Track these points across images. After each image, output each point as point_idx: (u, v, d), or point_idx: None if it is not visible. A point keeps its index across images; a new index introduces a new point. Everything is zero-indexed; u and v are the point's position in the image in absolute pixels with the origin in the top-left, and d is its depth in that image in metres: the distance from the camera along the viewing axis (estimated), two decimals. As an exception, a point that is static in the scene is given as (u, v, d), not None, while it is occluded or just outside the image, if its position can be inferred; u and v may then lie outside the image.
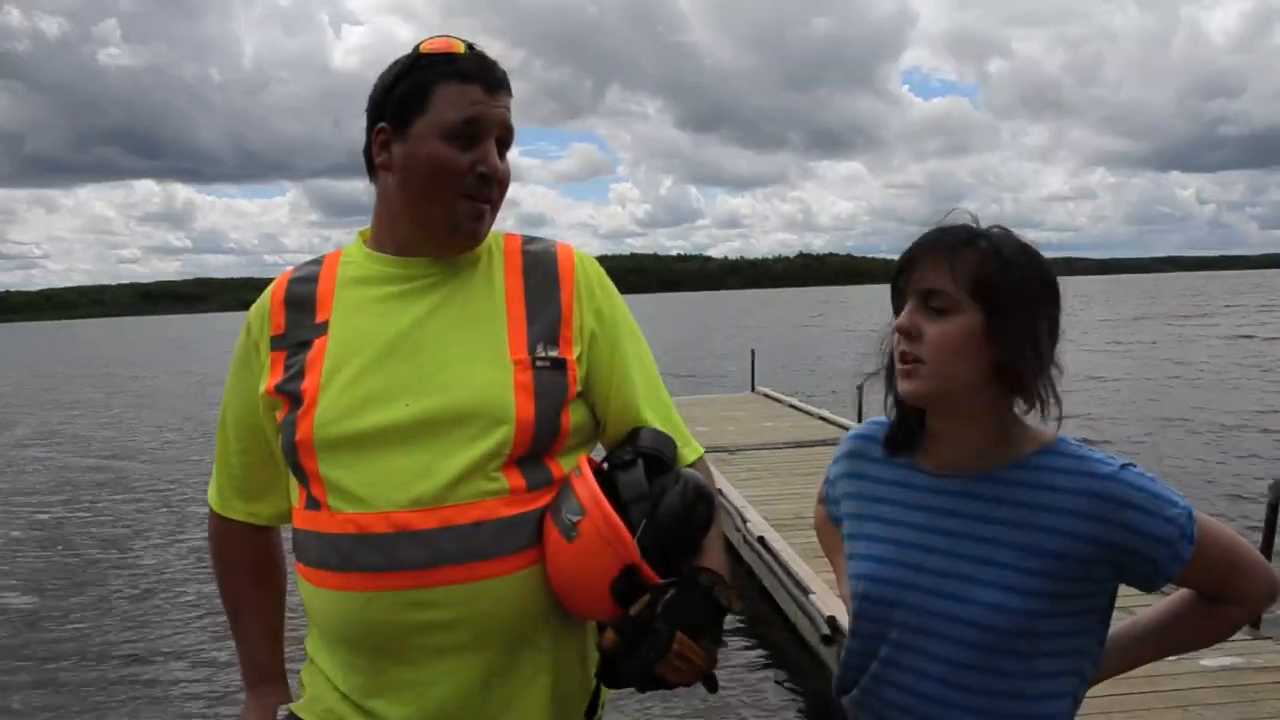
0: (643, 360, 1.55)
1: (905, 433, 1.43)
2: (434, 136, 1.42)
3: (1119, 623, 1.42)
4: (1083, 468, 1.29)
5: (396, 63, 1.47)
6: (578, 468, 1.42)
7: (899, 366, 1.34)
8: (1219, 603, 1.36)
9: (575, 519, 1.34)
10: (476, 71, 1.44)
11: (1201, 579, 1.33)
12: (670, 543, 1.35)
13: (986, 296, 1.28)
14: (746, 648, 6.02)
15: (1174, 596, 1.42)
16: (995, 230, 1.33)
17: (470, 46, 1.46)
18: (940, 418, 1.37)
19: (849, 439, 1.56)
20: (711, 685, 1.36)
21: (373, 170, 1.51)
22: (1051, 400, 1.32)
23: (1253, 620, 4.73)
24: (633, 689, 1.36)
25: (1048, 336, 1.30)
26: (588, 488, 1.36)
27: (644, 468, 1.41)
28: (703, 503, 1.38)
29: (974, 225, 1.33)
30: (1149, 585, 1.30)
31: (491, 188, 1.45)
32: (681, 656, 1.30)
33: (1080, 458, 1.31)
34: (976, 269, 1.28)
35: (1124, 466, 1.29)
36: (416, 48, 1.47)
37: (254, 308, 1.54)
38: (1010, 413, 1.34)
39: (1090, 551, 1.27)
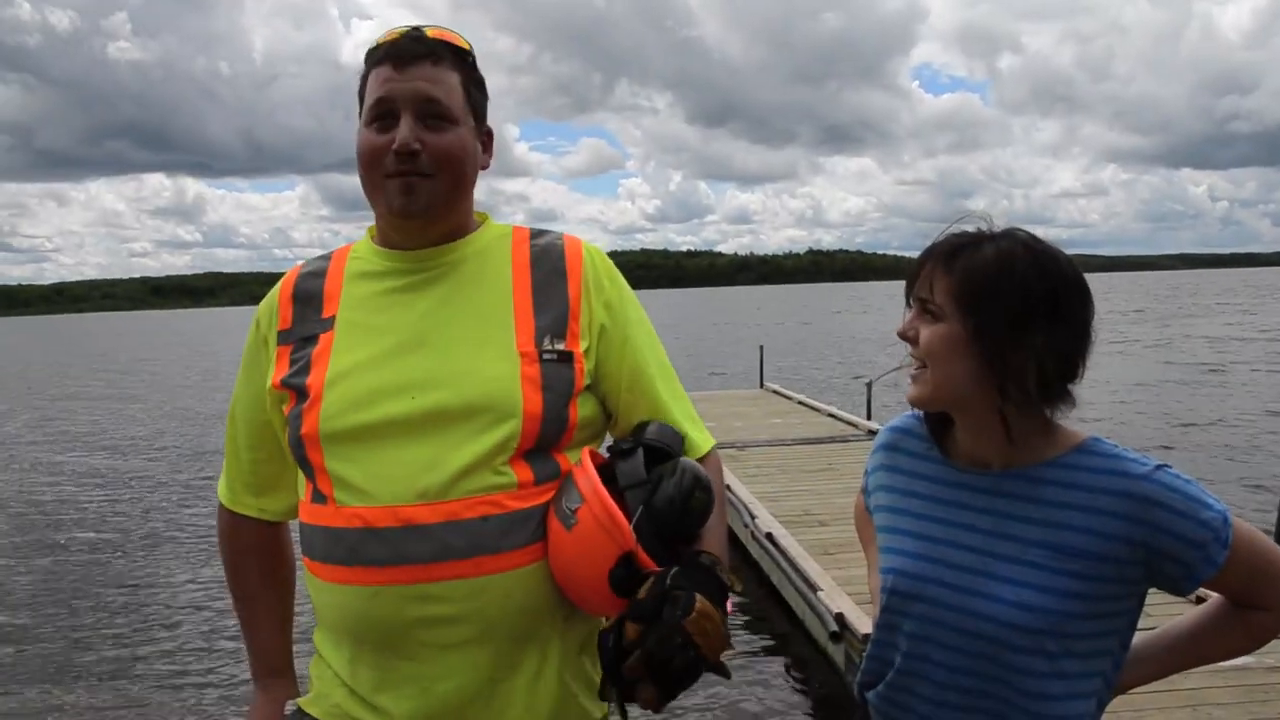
0: (654, 353, 1.54)
1: (936, 424, 1.44)
2: (363, 126, 1.45)
3: (1147, 631, 1.40)
4: (1116, 467, 1.29)
5: None
6: (580, 459, 1.41)
7: (909, 373, 1.37)
8: (1251, 609, 1.35)
9: (574, 507, 1.33)
10: (388, 52, 1.44)
11: (1235, 584, 1.31)
12: (667, 530, 1.34)
13: (968, 307, 1.29)
14: (754, 644, 6.02)
15: (1204, 605, 1.41)
16: (1006, 235, 1.32)
17: (414, 29, 1.46)
18: (959, 417, 1.38)
19: (885, 431, 1.56)
20: (724, 671, 1.31)
21: None
22: (1059, 409, 1.32)
23: None
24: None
25: (1047, 349, 1.28)
26: (587, 477, 1.36)
27: (645, 456, 1.41)
28: (700, 490, 1.37)
29: (984, 229, 1.33)
30: (1180, 589, 1.29)
31: (416, 161, 1.41)
32: (706, 617, 1.26)
33: (1114, 457, 1.30)
34: (962, 279, 1.29)
35: (1159, 467, 1.28)
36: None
37: (263, 303, 1.55)
38: (1036, 413, 1.33)
39: (1122, 551, 1.26)
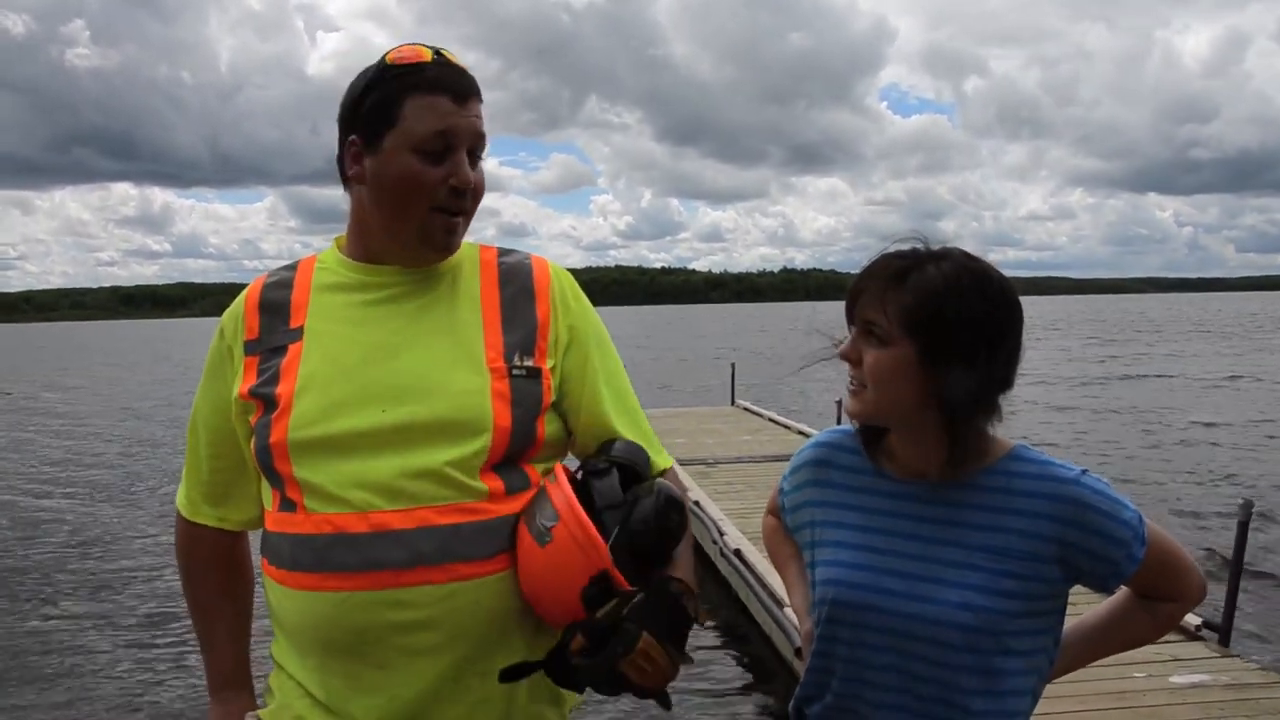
0: (613, 372, 1.55)
1: (869, 437, 1.46)
2: (405, 151, 1.39)
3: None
4: (1047, 472, 1.35)
5: (365, 73, 1.45)
6: (553, 474, 1.42)
7: (847, 387, 1.39)
8: (1157, 600, 1.44)
9: (549, 524, 1.34)
10: (445, 81, 1.41)
11: (1147, 579, 1.39)
12: (642, 551, 1.36)
13: (917, 331, 1.30)
14: (721, 660, 6.02)
15: (1115, 597, 1.49)
16: (946, 256, 1.34)
17: (438, 53, 1.43)
18: (897, 433, 1.41)
19: (811, 447, 1.57)
20: (665, 702, 1.34)
21: (346, 179, 1.49)
22: (993, 420, 1.36)
23: (1209, 623, 4.76)
24: (591, 691, 1.35)
25: (988, 366, 1.31)
26: (563, 494, 1.36)
27: (619, 477, 1.42)
28: (675, 512, 1.39)
29: (923, 250, 1.35)
30: (1105, 585, 1.38)
31: (465, 200, 1.44)
32: (646, 657, 1.29)
33: (1044, 463, 1.37)
34: (909, 304, 1.30)
35: (1084, 472, 1.36)
36: (384, 58, 1.44)
37: (228, 312, 1.54)
38: (975, 426, 1.36)
39: (1055, 552, 1.33)
